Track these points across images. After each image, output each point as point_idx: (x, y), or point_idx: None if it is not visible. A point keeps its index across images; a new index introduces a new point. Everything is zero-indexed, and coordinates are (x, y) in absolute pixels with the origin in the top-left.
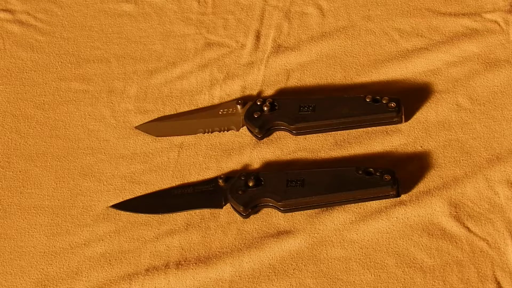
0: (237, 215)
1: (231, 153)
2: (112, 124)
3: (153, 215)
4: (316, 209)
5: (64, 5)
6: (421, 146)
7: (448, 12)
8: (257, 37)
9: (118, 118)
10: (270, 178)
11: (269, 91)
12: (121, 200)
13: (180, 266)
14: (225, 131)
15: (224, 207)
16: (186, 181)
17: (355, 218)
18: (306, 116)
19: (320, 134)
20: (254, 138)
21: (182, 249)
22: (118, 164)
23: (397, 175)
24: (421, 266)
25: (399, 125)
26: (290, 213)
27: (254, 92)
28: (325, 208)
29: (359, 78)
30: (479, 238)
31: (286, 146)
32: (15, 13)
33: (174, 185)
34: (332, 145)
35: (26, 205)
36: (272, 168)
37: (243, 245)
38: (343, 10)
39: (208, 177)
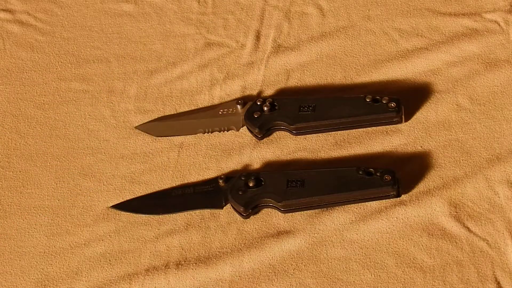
0: (237, 215)
1: (231, 153)
2: (112, 124)
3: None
4: (316, 209)
5: (64, 5)
6: (421, 146)
7: (448, 12)
8: (257, 37)
9: (118, 118)
10: (271, 179)
11: (269, 91)
12: (121, 200)
13: (180, 266)
14: (225, 131)
15: (224, 207)
16: (186, 181)
17: (355, 218)
18: (306, 116)
19: (320, 134)
20: (254, 138)
21: (182, 249)
22: (118, 164)
23: (397, 175)
24: (421, 266)
25: (399, 125)
26: (290, 213)
27: (254, 92)
28: (325, 208)
29: (359, 78)
30: (479, 238)
31: (286, 146)
32: (15, 13)
33: (174, 185)
34: (332, 145)
35: (26, 205)
36: (272, 168)
37: (243, 245)
38: (343, 10)
39: (208, 177)
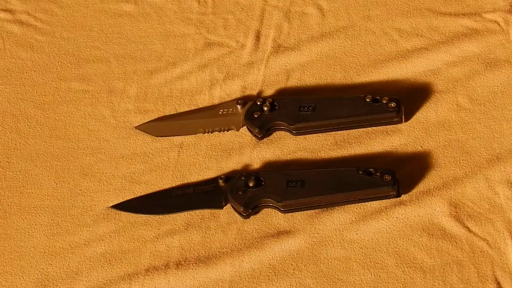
0: (237, 215)
1: (231, 153)
2: (112, 124)
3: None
4: (316, 209)
5: (64, 5)
6: (421, 146)
7: (448, 12)
8: (257, 37)
9: (118, 118)
10: (271, 179)
11: (269, 91)
12: (121, 200)
13: (180, 266)
14: (225, 131)
15: (224, 207)
16: (186, 181)
17: (355, 218)
18: (306, 116)
19: (320, 134)
20: (254, 138)
21: (182, 249)
22: (118, 164)
23: (397, 175)
24: (421, 266)
25: (399, 125)
26: (290, 213)
27: (254, 92)
28: (325, 208)
29: (359, 78)
30: (479, 238)
31: (286, 146)
32: (15, 13)
33: (174, 185)
34: (332, 145)
35: (26, 205)
36: (272, 168)
37: (243, 245)
38: (343, 10)
39: (208, 177)
